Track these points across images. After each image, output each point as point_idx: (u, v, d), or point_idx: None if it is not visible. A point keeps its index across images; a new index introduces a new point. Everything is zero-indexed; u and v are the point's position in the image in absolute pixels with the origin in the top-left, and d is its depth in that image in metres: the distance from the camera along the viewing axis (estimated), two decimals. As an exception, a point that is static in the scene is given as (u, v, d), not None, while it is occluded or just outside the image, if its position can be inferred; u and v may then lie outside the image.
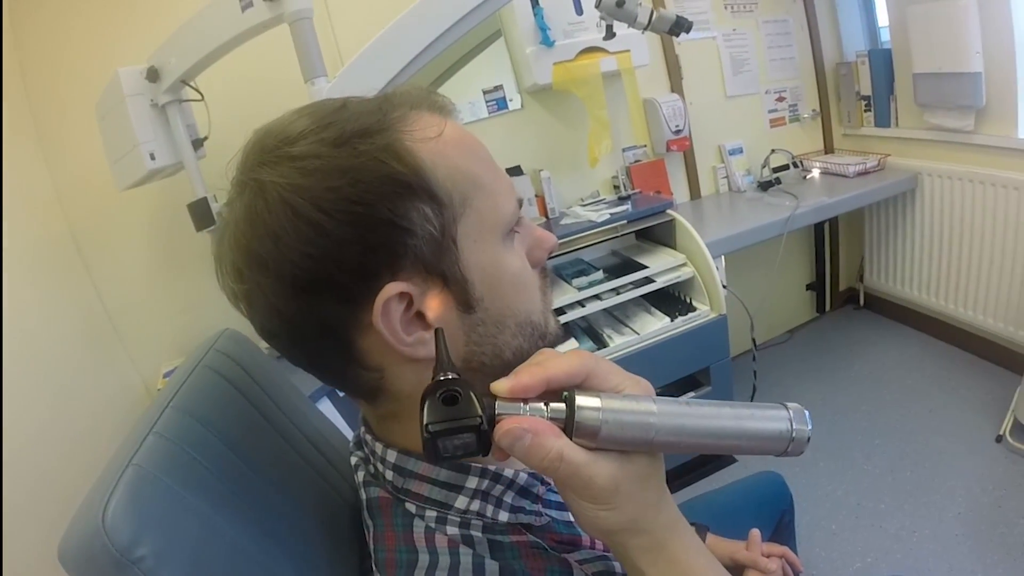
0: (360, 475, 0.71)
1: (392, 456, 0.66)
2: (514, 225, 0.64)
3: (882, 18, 3.16)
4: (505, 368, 0.63)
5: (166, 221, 2.28)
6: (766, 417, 0.55)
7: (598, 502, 0.52)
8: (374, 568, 0.66)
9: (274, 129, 0.58)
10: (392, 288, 0.55)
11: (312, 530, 0.80)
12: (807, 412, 0.55)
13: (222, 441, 0.74)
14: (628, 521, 0.53)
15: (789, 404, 0.55)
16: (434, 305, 0.58)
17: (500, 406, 0.51)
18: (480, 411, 0.49)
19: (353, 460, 0.74)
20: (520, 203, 0.65)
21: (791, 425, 0.54)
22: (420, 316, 0.58)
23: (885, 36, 3.14)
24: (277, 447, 0.85)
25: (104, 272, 2.26)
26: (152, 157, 1.77)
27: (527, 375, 0.52)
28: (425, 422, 0.48)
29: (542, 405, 0.52)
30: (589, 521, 0.53)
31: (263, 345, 0.74)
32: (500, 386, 0.52)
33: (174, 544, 0.59)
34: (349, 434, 1.06)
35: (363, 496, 0.70)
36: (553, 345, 0.69)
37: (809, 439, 0.55)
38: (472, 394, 0.49)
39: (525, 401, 0.52)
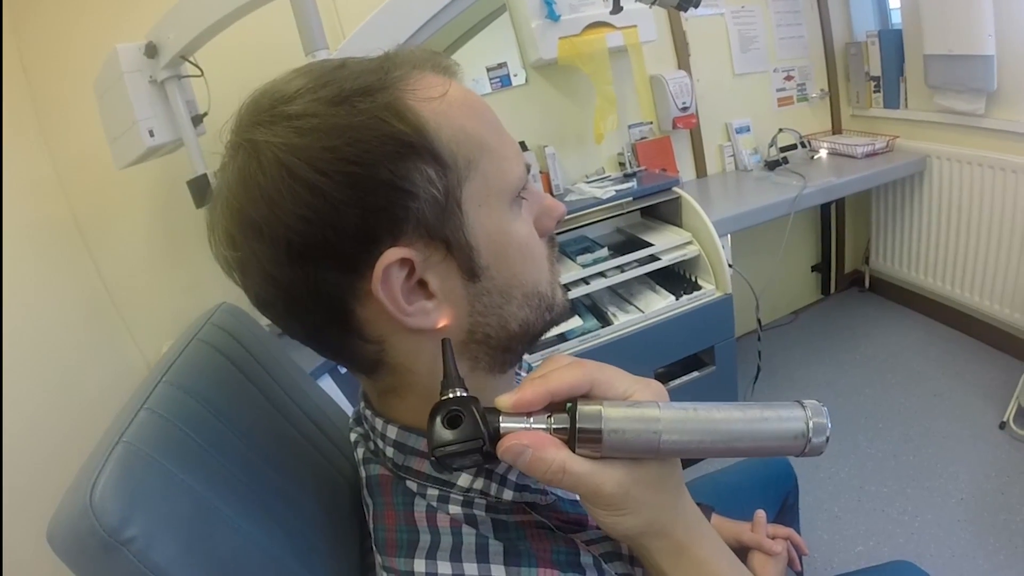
0: (360, 452, 0.69)
1: (393, 432, 0.64)
2: (521, 191, 0.61)
3: (893, -2, 3.11)
4: (511, 340, 0.62)
5: (166, 199, 2.26)
6: (781, 418, 0.53)
7: (610, 508, 0.52)
8: (374, 548, 0.65)
9: (270, 89, 0.56)
10: (393, 254, 0.52)
11: (311, 509, 0.78)
12: (825, 409, 0.53)
13: (217, 417, 0.72)
14: (645, 524, 0.53)
15: (806, 402, 0.53)
16: (437, 272, 0.56)
17: (504, 421, 0.51)
18: (484, 430, 0.50)
19: (352, 437, 0.72)
20: (528, 168, 0.63)
21: (808, 425, 0.52)
22: (422, 284, 0.56)
23: (896, 17, 3.09)
24: (275, 424, 0.83)
25: (105, 251, 2.24)
26: (151, 134, 1.74)
27: (530, 390, 0.51)
28: (431, 446, 0.49)
29: (546, 417, 0.52)
30: (606, 526, 0.53)
31: (263, 320, 0.72)
32: (504, 402, 0.52)
33: (165, 524, 0.57)
34: (351, 411, 1.05)
35: (363, 474, 0.68)
36: (560, 319, 0.67)
37: (828, 439, 0.53)
38: (476, 413, 0.50)
39: (529, 415, 0.52)
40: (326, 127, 0.51)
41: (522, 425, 0.51)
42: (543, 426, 0.51)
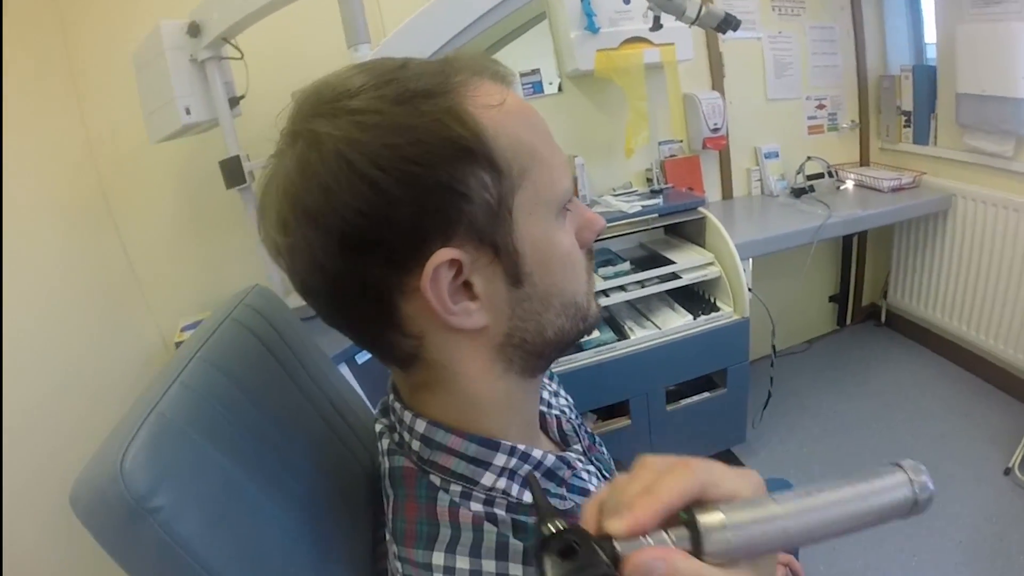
0: (384, 443, 0.70)
1: (421, 426, 0.65)
2: (566, 203, 0.63)
3: (930, 34, 3.09)
4: (546, 347, 0.63)
5: (196, 177, 2.28)
6: (887, 488, 0.50)
7: None
8: (389, 537, 0.65)
9: (332, 81, 0.57)
10: (444, 254, 0.54)
11: (330, 494, 0.79)
12: (923, 467, 0.50)
13: (246, 396, 0.74)
14: None
15: (903, 463, 0.51)
16: (483, 275, 0.57)
17: (620, 545, 0.47)
18: (605, 558, 0.46)
19: (378, 427, 0.73)
20: (575, 181, 0.64)
21: (914, 488, 0.50)
22: (467, 286, 0.57)
23: (931, 52, 3.07)
24: (300, 407, 0.85)
25: (131, 224, 2.27)
26: (187, 112, 1.76)
27: (642, 510, 0.46)
28: None
29: (663, 533, 0.48)
30: None
31: (291, 304, 0.73)
32: (617, 527, 0.47)
33: (192, 497, 0.58)
34: (366, 401, 1.06)
35: (385, 464, 0.69)
36: (591, 330, 0.68)
37: (932, 498, 0.50)
38: (592, 542, 0.46)
39: (644, 535, 0.47)
40: (388, 125, 0.52)
41: (640, 545, 0.46)
42: (662, 542, 0.47)
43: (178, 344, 2.08)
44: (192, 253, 2.37)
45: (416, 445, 0.66)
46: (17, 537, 1.49)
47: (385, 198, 0.52)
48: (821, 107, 3.22)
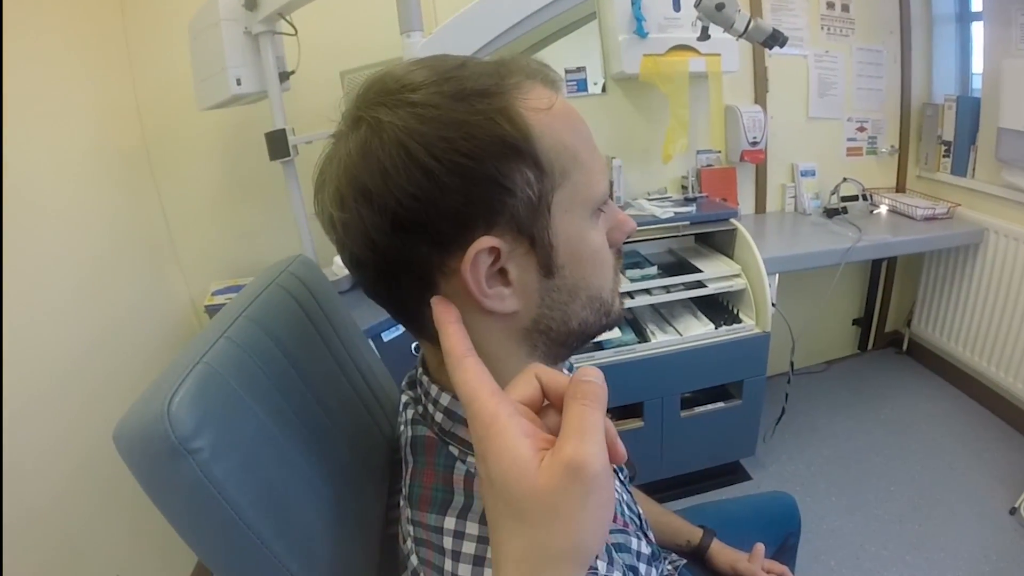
0: (409, 413, 0.74)
1: (445, 400, 0.69)
2: (601, 204, 0.66)
3: (977, 65, 3.07)
4: (569, 336, 0.67)
5: (238, 147, 2.34)
6: None
7: None
8: (404, 502, 0.70)
9: (396, 73, 0.61)
10: (486, 241, 0.58)
11: (351, 455, 0.84)
12: None
13: (285, 356, 0.78)
14: None
15: None
16: (518, 264, 0.61)
17: None
18: None
19: (403, 399, 0.77)
20: (611, 185, 0.67)
21: None
22: (503, 272, 0.61)
23: (977, 83, 3.06)
24: (332, 372, 0.89)
25: (171, 185, 2.33)
26: (238, 82, 1.80)
27: None
28: None
29: None
30: None
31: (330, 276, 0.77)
32: None
33: (229, 442, 0.62)
34: (390, 376, 1.11)
35: (408, 433, 0.73)
36: (613, 325, 0.72)
37: None
38: None
39: None
40: (446, 119, 0.56)
41: None
42: None
43: (208, 307, 2.13)
44: (228, 220, 2.43)
45: (439, 417, 0.70)
46: (56, 478, 1.56)
47: (437, 185, 0.56)
48: (862, 129, 3.22)
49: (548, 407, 0.51)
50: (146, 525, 1.78)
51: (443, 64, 0.61)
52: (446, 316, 0.56)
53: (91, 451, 1.63)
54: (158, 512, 0.61)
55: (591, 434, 0.45)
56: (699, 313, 2.49)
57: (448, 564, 0.60)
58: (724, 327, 2.37)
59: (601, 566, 0.66)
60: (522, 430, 0.46)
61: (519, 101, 0.59)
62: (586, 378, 0.48)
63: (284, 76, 1.94)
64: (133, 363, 1.93)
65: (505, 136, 0.57)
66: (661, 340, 2.32)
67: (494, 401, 0.48)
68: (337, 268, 2.04)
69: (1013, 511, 2.36)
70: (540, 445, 0.46)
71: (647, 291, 2.39)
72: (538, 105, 0.60)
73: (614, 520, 0.74)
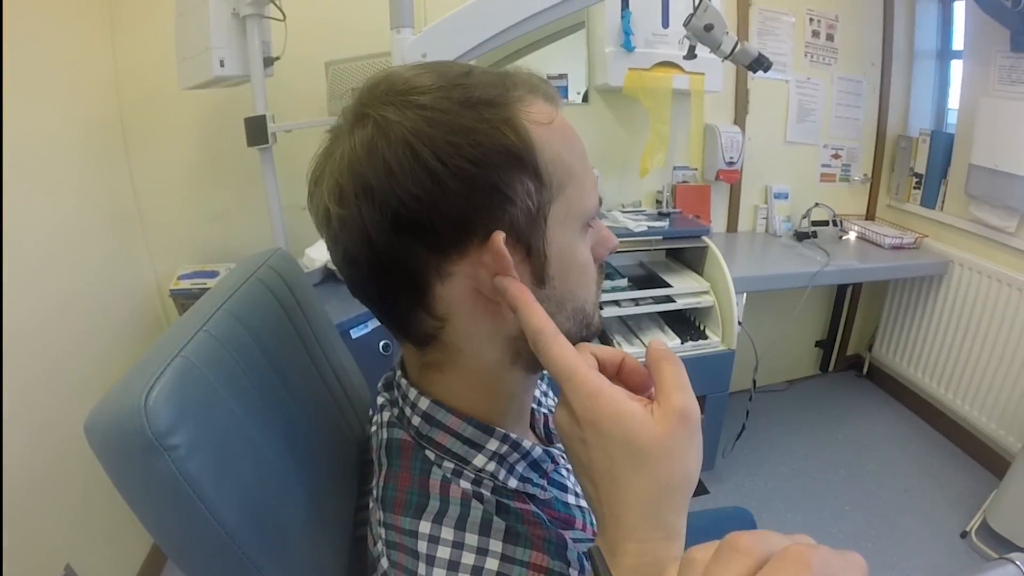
0: (384, 415, 0.74)
1: (424, 404, 0.69)
2: (591, 219, 0.67)
3: (953, 101, 3.14)
4: None
5: (215, 129, 2.31)
6: None
7: None
8: (374, 504, 0.69)
9: (403, 75, 0.62)
10: (501, 235, 0.59)
11: (326, 455, 0.83)
12: None
13: (263, 352, 0.77)
14: None
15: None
16: (515, 271, 0.61)
17: None
18: None
19: (380, 400, 0.77)
20: (600, 201, 0.68)
21: None
22: None
23: (952, 119, 3.13)
24: (307, 369, 0.88)
25: (144, 163, 2.29)
26: (221, 64, 1.78)
27: None
28: None
29: None
30: None
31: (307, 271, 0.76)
32: None
33: (206, 439, 0.61)
34: (360, 376, 1.10)
35: (382, 436, 0.73)
36: (591, 338, 0.72)
37: None
38: None
39: None
40: (454, 125, 0.57)
41: None
42: None
43: (173, 292, 2.10)
44: (200, 202, 2.40)
45: (416, 420, 0.70)
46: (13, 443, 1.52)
47: (440, 188, 0.56)
48: (836, 156, 3.27)
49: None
50: (96, 510, 1.73)
51: (449, 70, 0.62)
52: (525, 295, 0.58)
53: (43, 431, 1.60)
54: (107, 498, 0.60)
55: (688, 387, 0.54)
56: (666, 327, 2.51)
57: (422, 568, 0.60)
58: (690, 342, 2.40)
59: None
60: (625, 394, 0.54)
61: (523, 113, 0.60)
62: (663, 347, 0.59)
63: (268, 61, 1.92)
64: (90, 340, 1.90)
65: (510, 146, 0.58)
66: (627, 351, 2.31)
67: (593, 374, 0.54)
68: (308, 260, 2.02)
69: (964, 535, 2.42)
70: (643, 403, 0.53)
71: (616, 303, 2.40)
72: (540, 119, 0.61)
73: (583, 529, 0.75)
